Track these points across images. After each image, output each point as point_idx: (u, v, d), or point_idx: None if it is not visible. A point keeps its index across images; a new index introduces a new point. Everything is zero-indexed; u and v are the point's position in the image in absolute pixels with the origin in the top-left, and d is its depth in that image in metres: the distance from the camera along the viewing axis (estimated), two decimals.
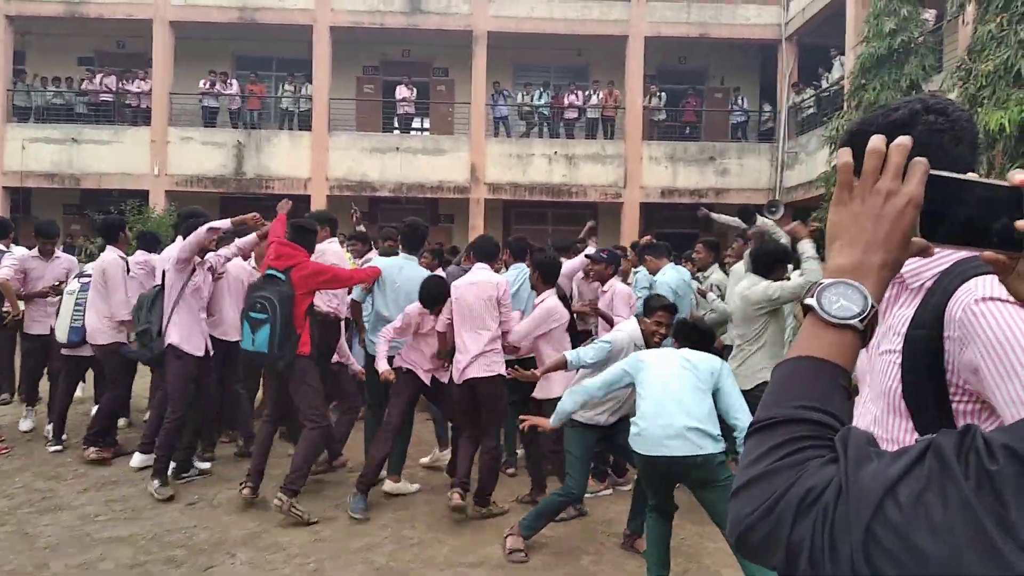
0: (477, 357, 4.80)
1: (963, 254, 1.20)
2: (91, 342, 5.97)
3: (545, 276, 5.17)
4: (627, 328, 4.51)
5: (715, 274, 6.81)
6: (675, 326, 4.17)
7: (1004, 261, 0.86)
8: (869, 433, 0.76)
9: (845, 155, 0.86)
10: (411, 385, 5.12)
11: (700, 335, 3.99)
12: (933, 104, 1.29)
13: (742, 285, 5.14)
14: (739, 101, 17.80)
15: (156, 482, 5.18)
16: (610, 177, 16.94)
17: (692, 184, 16.69)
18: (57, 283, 6.41)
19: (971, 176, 0.84)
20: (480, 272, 5.03)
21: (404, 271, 5.48)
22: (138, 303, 5.45)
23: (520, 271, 5.79)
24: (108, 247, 6.05)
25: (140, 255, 6.21)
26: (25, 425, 6.75)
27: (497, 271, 5.57)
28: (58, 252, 6.71)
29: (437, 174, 16.84)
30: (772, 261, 5.03)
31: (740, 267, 6.51)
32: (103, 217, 6.67)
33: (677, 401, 3.57)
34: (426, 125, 18.92)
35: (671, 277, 6.24)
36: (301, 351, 4.85)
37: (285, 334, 4.72)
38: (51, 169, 16.45)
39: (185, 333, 5.27)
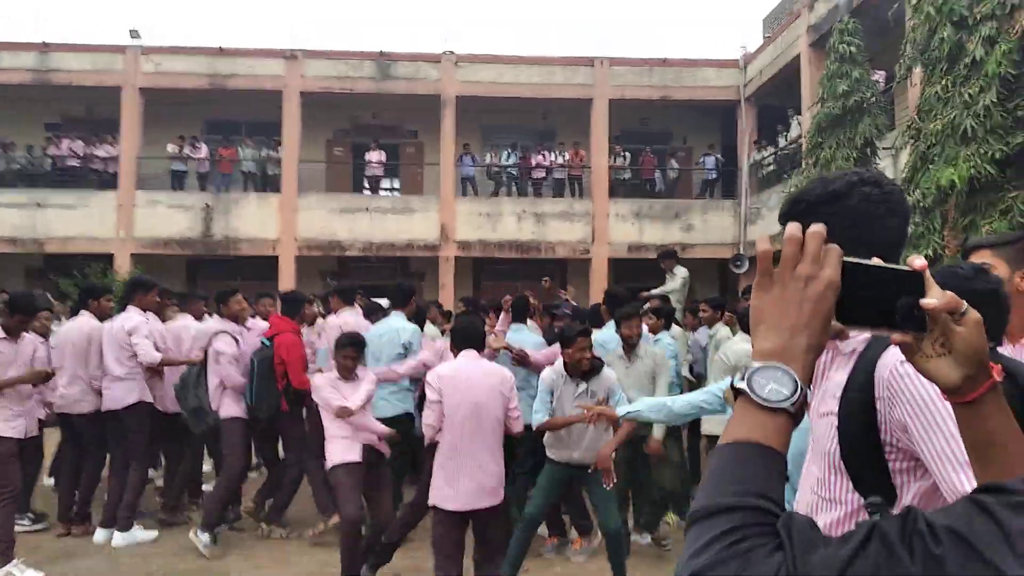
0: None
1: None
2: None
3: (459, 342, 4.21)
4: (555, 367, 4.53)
5: (721, 331, 6.46)
6: None
7: (910, 342, 0.88)
8: (810, 518, 0.76)
9: (763, 243, 0.88)
10: None
11: None
12: (868, 177, 1.37)
13: (736, 345, 5.07)
14: (704, 161, 18.20)
15: (206, 536, 5.33)
16: (578, 234, 17.16)
17: (658, 240, 16.92)
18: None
19: (876, 261, 0.87)
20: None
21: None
22: (184, 382, 5.73)
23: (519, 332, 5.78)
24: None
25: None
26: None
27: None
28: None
29: (407, 233, 16.92)
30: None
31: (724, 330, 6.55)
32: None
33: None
34: (395, 186, 19.08)
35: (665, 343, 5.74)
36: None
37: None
38: (13, 233, 16.25)
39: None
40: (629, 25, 49.05)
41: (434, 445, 4.77)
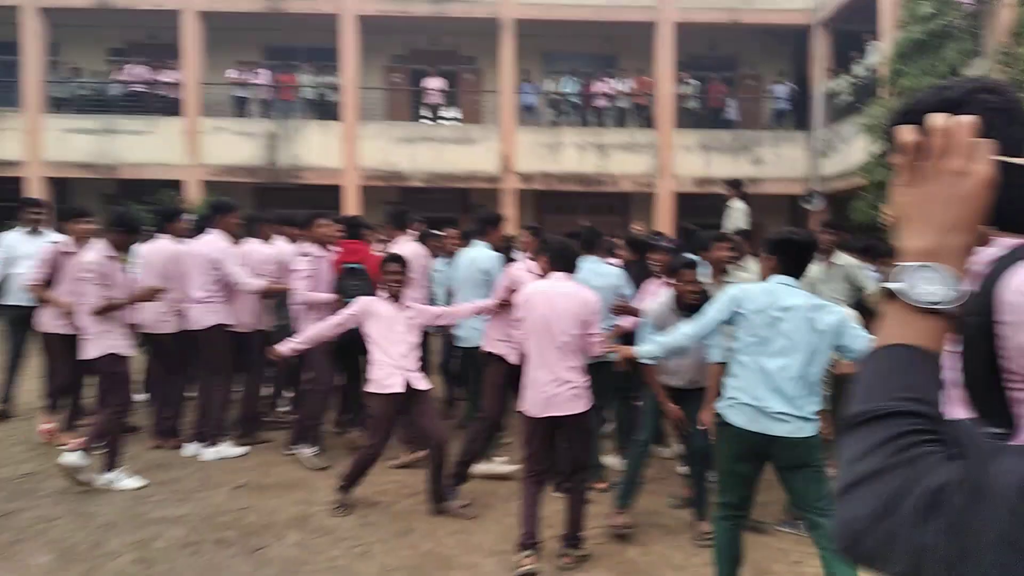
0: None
1: (1019, 241, 1.16)
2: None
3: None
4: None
5: (841, 257, 5.87)
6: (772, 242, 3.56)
7: None
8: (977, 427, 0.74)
9: (908, 134, 0.82)
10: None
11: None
12: (986, 84, 1.28)
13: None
14: (774, 89, 17.53)
15: (307, 450, 5.71)
16: (642, 166, 16.83)
17: (726, 173, 16.44)
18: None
19: None
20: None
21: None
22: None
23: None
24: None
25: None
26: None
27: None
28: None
29: (468, 164, 16.83)
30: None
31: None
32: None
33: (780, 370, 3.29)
34: (457, 114, 18.91)
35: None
36: None
37: None
38: (88, 159, 16.70)
39: None
40: None
41: (498, 362, 4.99)
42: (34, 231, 6.84)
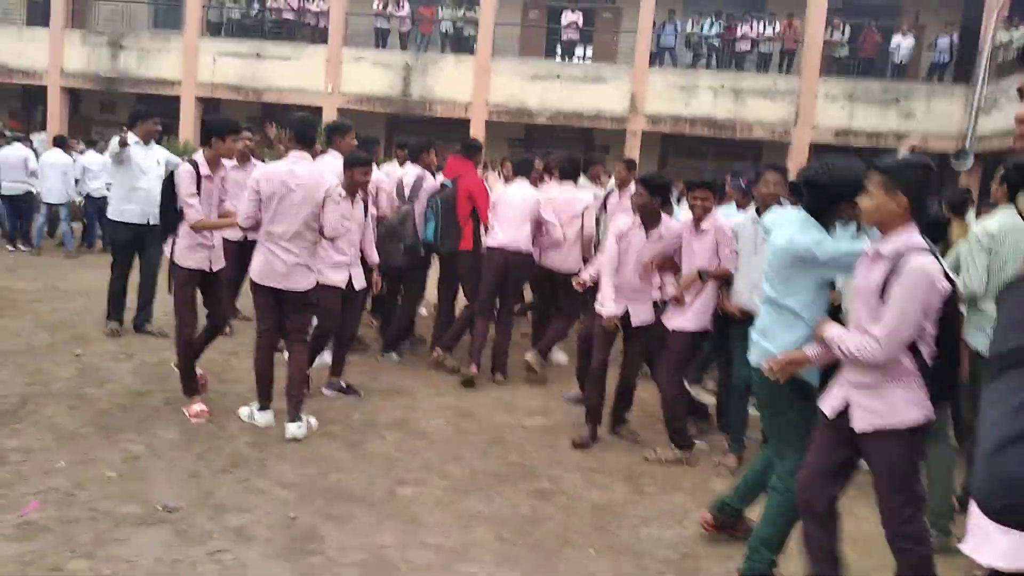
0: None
1: None
2: None
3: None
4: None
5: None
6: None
7: None
8: None
9: None
10: None
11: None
12: None
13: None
14: (937, 42, 16.14)
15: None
16: (779, 114, 16.04)
17: (870, 126, 15.48)
18: None
19: None
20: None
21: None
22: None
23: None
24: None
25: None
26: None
27: None
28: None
29: (595, 103, 16.59)
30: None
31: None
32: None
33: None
34: (589, 53, 18.58)
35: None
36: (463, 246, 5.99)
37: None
38: (237, 82, 17.65)
39: None
40: None
41: None
42: (147, 143, 6.53)
